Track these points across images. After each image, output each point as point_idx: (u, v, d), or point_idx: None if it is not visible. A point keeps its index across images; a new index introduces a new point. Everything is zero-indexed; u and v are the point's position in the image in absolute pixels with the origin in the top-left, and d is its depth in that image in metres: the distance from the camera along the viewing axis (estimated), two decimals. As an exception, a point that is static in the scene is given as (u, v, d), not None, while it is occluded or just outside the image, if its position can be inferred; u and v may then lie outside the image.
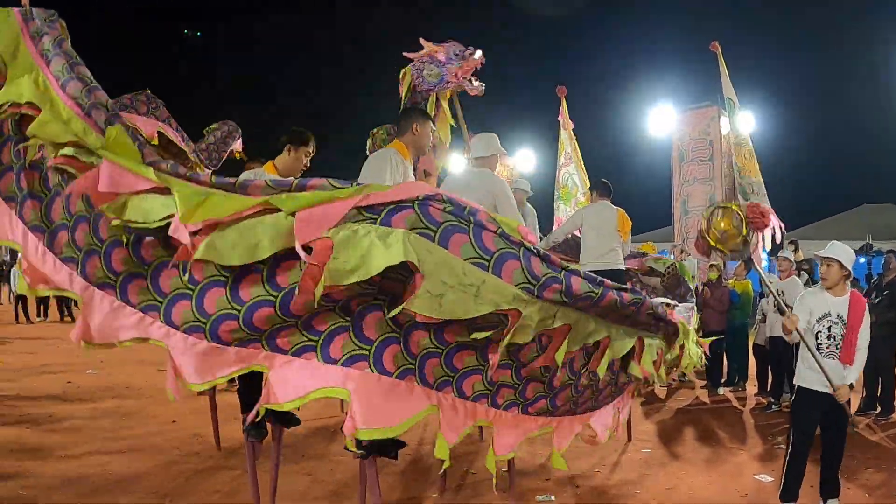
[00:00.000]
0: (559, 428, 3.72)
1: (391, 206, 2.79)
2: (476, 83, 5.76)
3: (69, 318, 19.72)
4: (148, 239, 2.90)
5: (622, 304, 3.37)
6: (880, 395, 8.07)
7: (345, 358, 2.93)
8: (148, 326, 2.93)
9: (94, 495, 4.84)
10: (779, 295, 8.38)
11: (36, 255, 3.12)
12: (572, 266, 3.18)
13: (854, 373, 4.64)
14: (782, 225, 11.05)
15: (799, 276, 8.97)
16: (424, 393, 3.07)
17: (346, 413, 2.98)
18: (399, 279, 2.82)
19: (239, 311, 2.81)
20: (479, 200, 5.10)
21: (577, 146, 12.04)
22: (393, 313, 2.79)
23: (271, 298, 2.80)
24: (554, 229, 9.06)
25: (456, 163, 9.55)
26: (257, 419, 4.21)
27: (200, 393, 5.45)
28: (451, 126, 6.08)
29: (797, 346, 4.81)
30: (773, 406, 8.39)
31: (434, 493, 5.08)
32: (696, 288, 11.03)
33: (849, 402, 4.57)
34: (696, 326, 4.53)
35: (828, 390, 4.48)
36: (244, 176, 5.40)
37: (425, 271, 2.69)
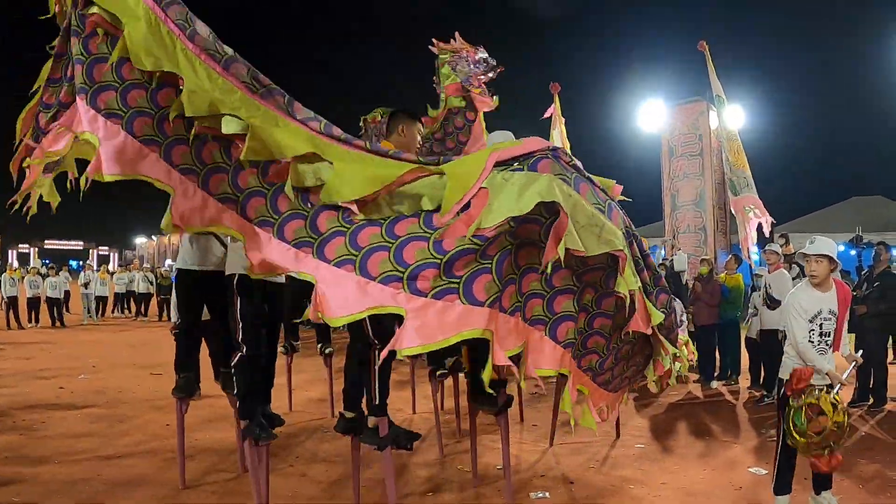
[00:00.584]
0: (593, 394, 3.81)
1: (531, 156, 3.13)
2: (491, 99, 6.28)
3: (60, 324, 19.65)
4: (312, 188, 3.17)
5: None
6: (872, 386, 8.11)
7: (490, 300, 3.11)
8: (300, 260, 3.14)
9: (90, 501, 4.83)
10: (767, 288, 8.44)
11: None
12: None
13: (843, 351, 4.71)
14: (769, 219, 11.09)
15: (790, 269, 9.01)
16: (525, 330, 3.30)
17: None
18: (537, 221, 3.11)
19: (392, 244, 3.05)
20: None
21: (568, 145, 12.04)
22: (561, 249, 2.94)
23: (426, 234, 3.04)
24: None
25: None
26: (262, 420, 4.19)
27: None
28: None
29: (785, 338, 4.82)
30: (766, 399, 8.41)
31: (430, 491, 5.08)
32: (687, 283, 11.07)
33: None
34: (685, 340, 4.53)
35: (813, 381, 4.49)
36: None
37: (568, 211, 2.97)
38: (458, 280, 3.05)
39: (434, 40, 6.24)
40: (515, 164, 3.10)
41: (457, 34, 6.12)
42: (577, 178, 3.16)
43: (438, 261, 3.00)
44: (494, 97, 6.37)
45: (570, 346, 3.40)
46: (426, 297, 3.01)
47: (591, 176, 3.30)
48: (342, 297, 3.01)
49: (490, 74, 6.23)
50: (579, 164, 3.30)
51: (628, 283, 3.16)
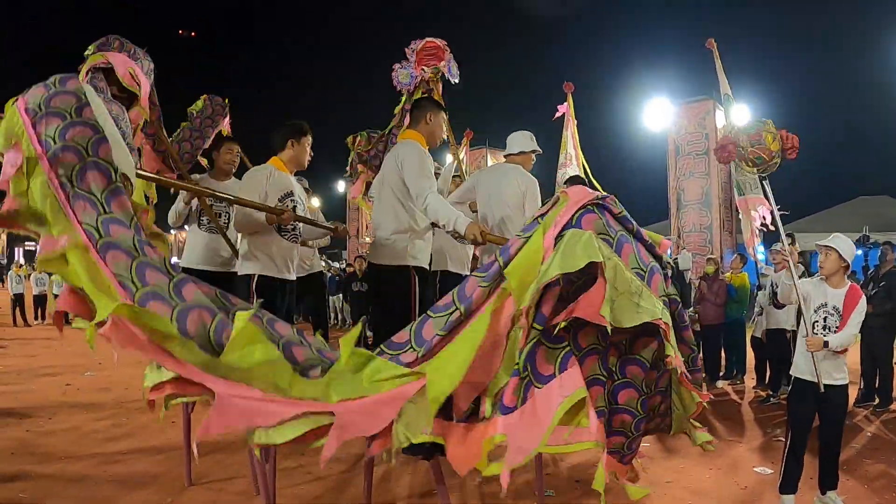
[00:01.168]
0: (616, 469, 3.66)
1: (578, 212, 2.92)
2: (428, 68, 5.88)
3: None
4: None
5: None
6: (878, 386, 8.10)
7: (557, 366, 2.92)
8: None
9: (95, 497, 4.84)
10: (773, 287, 8.42)
11: None
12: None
13: (836, 340, 4.45)
14: (772, 212, 11.06)
15: (796, 267, 8.99)
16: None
17: None
18: (566, 279, 2.86)
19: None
20: (510, 195, 5.20)
21: (578, 145, 11.98)
22: (606, 314, 2.70)
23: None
24: None
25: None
26: None
27: None
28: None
29: (794, 337, 4.82)
30: (772, 398, 8.41)
31: (434, 491, 5.08)
32: (690, 282, 11.04)
33: (844, 390, 4.57)
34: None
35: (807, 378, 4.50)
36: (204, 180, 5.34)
37: (607, 276, 2.74)
38: (527, 367, 2.87)
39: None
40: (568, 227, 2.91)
41: (405, 50, 6.00)
42: (621, 237, 2.95)
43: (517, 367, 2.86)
44: (433, 68, 6.09)
45: (601, 414, 3.06)
46: (515, 409, 2.84)
47: (640, 230, 3.08)
48: (467, 448, 2.85)
49: (420, 51, 5.96)
50: (624, 211, 3.08)
51: (673, 349, 2.88)
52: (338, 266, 23.10)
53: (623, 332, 2.94)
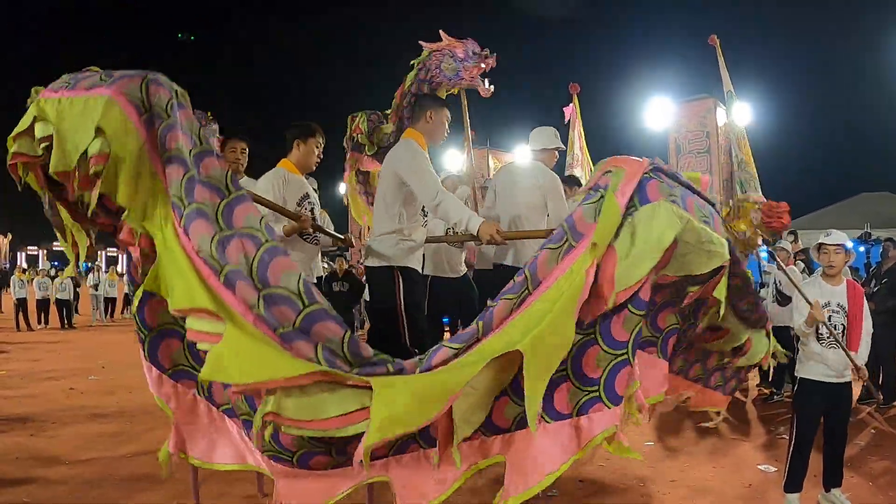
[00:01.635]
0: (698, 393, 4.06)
1: (638, 182, 2.95)
2: (488, 85, 5.82)
3: (69, 325, 19.71)
4: None
5: None
6: (881, 383, 8.09)
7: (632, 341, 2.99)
8: None
9: (100, 501, 4.85)
10: (777, 284, 8.41)
11: None
12: None
13: (863, 355, 4.58)
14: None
15: (795, 265, 8.99)
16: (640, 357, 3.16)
17: None
18: None
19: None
20: (523, 193, 5.22)
21: (585, 146, 12.00)
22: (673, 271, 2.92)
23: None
24: None
25: (453, 159, 9.50)
26: None
27: None
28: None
29: (797, 336, 4.80)
30: (776, 396, 8.41)
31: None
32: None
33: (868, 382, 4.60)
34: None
35: (829, 379, 4.48)
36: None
37: (679, 238, 2.87)
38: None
39: (421, 42, 5.99)
40: (630, 207, 2.94)
41: (442, 32, 5.88)
42: (683, 193, 3.02)
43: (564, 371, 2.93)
44: (490, 86, 6.08)
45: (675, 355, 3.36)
46: (569, 417, 3.08)
47: (686, 181, 3.16)
48: (550, 452, 3.12)
49: (483, 65, 5.94)
50: (675, 171, 3.18)
51: (719, 291, 3.03)
52: (341, 267, 23.01)
53: (699, 282, 3.09)
